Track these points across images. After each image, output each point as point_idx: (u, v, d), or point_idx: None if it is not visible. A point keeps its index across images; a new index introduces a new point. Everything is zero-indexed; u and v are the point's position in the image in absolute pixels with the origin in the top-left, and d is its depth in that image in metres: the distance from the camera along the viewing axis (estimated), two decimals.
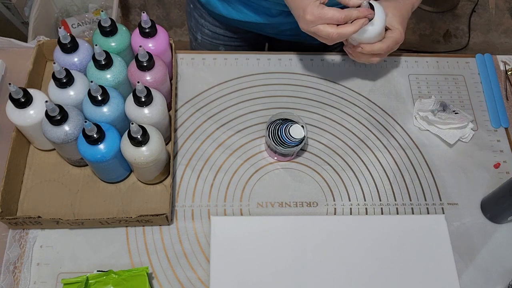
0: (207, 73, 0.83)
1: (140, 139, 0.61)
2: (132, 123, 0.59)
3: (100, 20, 0.67)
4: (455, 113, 0.78)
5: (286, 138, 0.70)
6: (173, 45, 0.77)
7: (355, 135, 0.79)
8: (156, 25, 0.70)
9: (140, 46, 0.64)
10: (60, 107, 0.61)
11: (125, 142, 0.62)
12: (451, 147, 0.78)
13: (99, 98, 0.62)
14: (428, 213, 0.73)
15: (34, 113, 0.64)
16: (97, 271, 0.63)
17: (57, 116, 0.60)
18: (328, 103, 0.81)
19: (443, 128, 0.78)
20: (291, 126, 0.71)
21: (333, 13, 0.61)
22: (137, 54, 0.64)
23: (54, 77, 0.63)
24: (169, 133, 0.73)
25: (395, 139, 0.79)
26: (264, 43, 1.03)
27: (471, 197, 0.74)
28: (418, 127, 0.80)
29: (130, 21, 1.89)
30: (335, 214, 0.72)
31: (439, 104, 0.78)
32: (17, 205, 0.69)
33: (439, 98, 0.82)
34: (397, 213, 0.73)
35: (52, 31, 1.59)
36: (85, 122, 0.58)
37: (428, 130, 0.79)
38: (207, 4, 0.86)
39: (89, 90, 0.62)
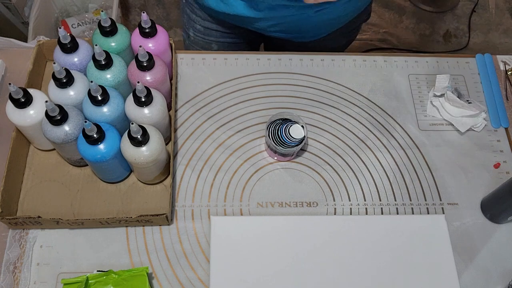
0: (207, 73, 0.83)
1: (140, 139, 0.61)
2: (132, 123, 0.59)
3: (100, 20, 0.67)
4: (469, 103, 0.79)
5: (286, 138, 0.70)
6: (173, 45, 0.77)
7: (355, 135, 0.79)
8: (156, 25, 0.70)
9: (140, 46, 0.64)
10: (60, 107, 0.61)
11: (125, 142, 0.62)
12: (462, 135, 0.79)
13: (99, 98, 0.62)
14: (428, 213, 0.73)
15: (34, 113, 0.64)
16: (97, 271, 0.63)
17: (57, 116, 0.60)
18: (328, 103, 0.81)
19: (455, 116, 0.79)
20: (291, 126, 0.71)
21: None
22: (137, 54, 0.64)
23: (54, 77, 0.63)
24: (169, 133, 0.73)
25: (395, 139, 0.79)
26: (258, 42, 1.02)
27: (471, 197, 0.74)
28: (432, 115, 0.81)
29: (130, 21, 1.89)
30: (335, 214, 0.72)
31: (454, 88, 0.81)
32: (17, 205, 0.69)
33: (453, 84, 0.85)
34: (397, 213, 0.73)
35: (52, 31, 1.59)
36: (85, 122, 0.58)
37: (441, 116, 0.80)
38: None
39: (89, 90, 0.62)
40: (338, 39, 0.93)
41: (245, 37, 0.95)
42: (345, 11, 0.82)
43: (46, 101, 0.58)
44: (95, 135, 0.60)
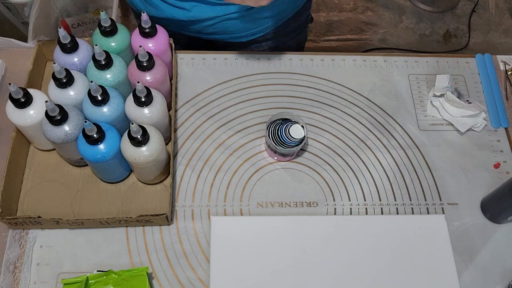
0: (207, 73, 0.83)
1: (140, 139, 0.61)
2: (132, 123, 0.59)
3: (100, 20, 0.67)
4: (469, 103, 0.79)
5: (286, 138, 0.70)
6: (173, 45, 0.77)
7: (355, 135, 0.79)
8: (156, 25, 0.70)
9: (140, 46, 0.64)
10: (60, 107, 0.61)
11: (125, 142, 0.62)
12: (462, 135, 0.80)
13: (99, 98, 0.62)
14: (428, 213, 0.73)
15: (34, 113, 0.64)
16: (97, 271, 0.63)
17: (57, 116, 0.60)
18: (328, 103, 0.81)
19: (455, 116, 0.79)
20: (291, 126, 0.71)
21: None
22: (137, 54, 0.64)
23: (54, 77, 0.63)
24: (169, 133, 0.73)
25: (395, 139, 0.79)
26: (206, 48, 0.94)
27: (471, 197, 0.74)
28: (432, 115, 0.81)
29: (130, 21, 1.88)
30: (335, 214, 0.72)
31: (454, 88, 0.82)
32: (17, 205, 0.69)
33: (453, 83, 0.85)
34: (397, 213, 0.73)
35: (52, 31, 1.59)
36: (85, 122, 0.58)
37: (441, 116, 0.81)
38: (130, 3, 0.85)
39: (89, 90, 0.62)
40: (280, 39, 0.90)
41: (187, 42, 0.91)
42: (277, 9, 0.81)
43: (46, 101, 0.58)
44: (95, 135, 0.60)
